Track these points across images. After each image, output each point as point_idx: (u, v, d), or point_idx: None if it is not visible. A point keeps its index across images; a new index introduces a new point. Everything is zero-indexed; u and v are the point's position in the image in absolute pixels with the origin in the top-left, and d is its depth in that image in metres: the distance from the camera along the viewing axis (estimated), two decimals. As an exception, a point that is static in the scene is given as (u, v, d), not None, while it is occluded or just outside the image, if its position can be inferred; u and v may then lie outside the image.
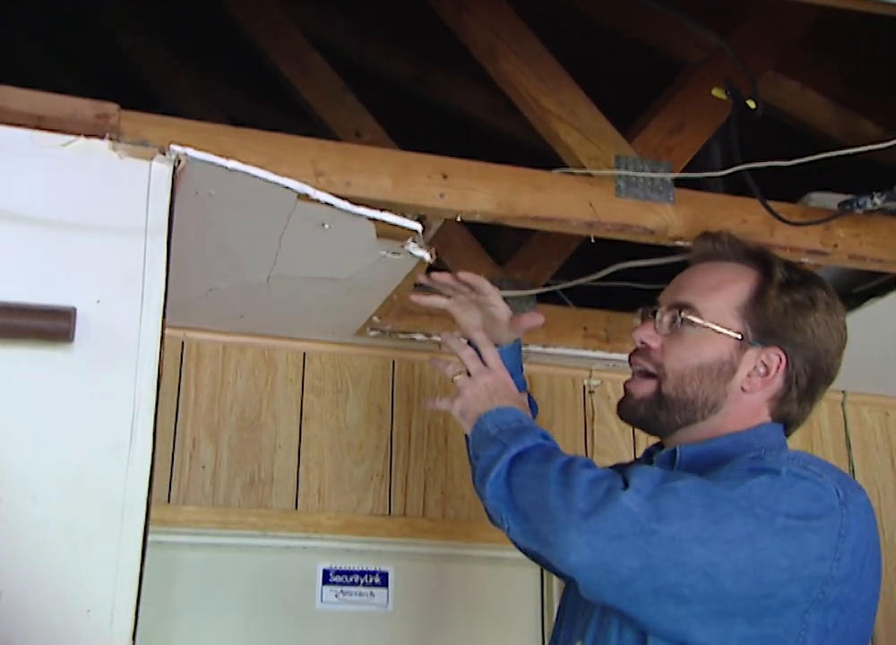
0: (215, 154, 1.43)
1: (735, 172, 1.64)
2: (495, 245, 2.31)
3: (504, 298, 2.11)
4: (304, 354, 2.14)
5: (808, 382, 1.26)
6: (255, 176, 1.45)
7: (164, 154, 1.39)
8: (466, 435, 1.35)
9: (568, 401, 2.28)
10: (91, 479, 1.22)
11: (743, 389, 1.24)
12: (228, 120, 2.61)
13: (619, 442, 2.25)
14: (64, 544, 1.20)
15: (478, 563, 2.18)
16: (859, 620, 1.14)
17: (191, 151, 1.40)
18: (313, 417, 2.10)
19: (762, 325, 1.25)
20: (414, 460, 2.14)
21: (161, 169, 1.38)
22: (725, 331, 1.24)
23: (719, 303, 1.26)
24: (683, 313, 1.27)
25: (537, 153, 2.00)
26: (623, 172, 1.67)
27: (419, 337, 2.09)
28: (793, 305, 1.26)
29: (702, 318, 1.26)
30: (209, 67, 2.83)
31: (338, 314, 1.98)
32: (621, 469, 1.36)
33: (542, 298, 2.18)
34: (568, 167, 1.69)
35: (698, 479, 1.11)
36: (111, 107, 1.40)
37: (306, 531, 2.02)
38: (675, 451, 1.25)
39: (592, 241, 1.72)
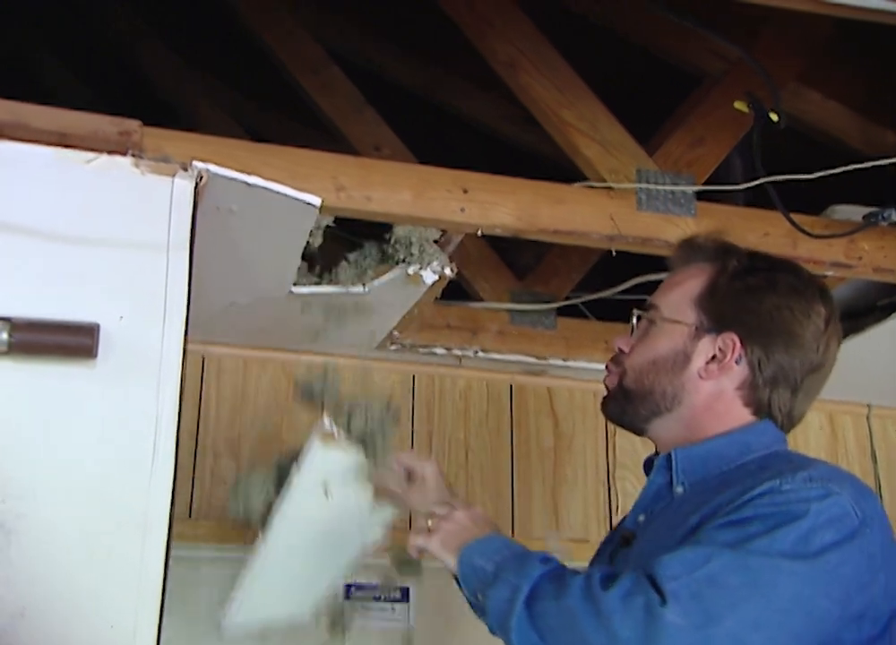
0: (236, 169, 1.45)
1: (757, 185, 1.65)
2: (514, 259, 2.32)
3: (525, 312, 2.15)
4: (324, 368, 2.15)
5: (778, 367, 1.23)
6: (276, 192, 1.46)
7: (186, 170, 1.41)
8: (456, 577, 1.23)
9: (589, 415, 2.29)
10: (114, 495, 1.24)
11: (700, 376, 1.25)
12: (246, 132, 2.63)
13: (641, 456, 2.19)
14: (87, 560, 1.21)
15: (499, 579, 2.17)
16: (894, 626, 1.13)
17: (212, 167, 1.42)
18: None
19: (716, 312, 1.26)
20: (434, 474, 2.14)
21: (183, 185, 1.40)
22: (678, 321, 1.27)
23: (676, 298, 1.29)
24: (647, 313, 1.31)
25: (556, 166, 2.01)
26: (644, 185, 1.67)
27: (440, 351, 2.10)
28: (746, 289, 1.26)
29: (661, 315, 1.29)
30: (228, 80, 2.85)
31: (358, 328, 2.00)
32: (617, 539, 1.32)
33: (562, 312, 2.19)
34: (588, 180, 1.70)
35: (729, 553, 1.04)
36: (133, 124, 1.42)
37: (327, 546, 2.03)
38: (670, 455, 1.25)
39: (613, 254, 1.72)
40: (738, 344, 1.23)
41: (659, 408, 1.27)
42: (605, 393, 1.34)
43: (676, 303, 1.29)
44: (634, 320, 1.33)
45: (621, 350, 1.32)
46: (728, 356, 1.24)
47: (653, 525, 1.21)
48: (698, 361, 1.25)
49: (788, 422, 1.27)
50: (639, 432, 1.33)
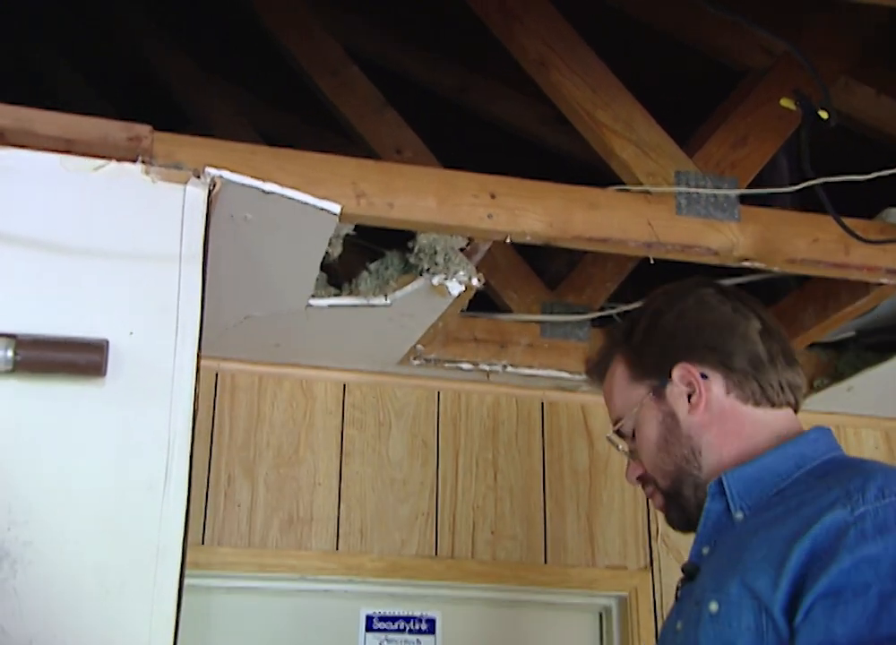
0: (251, 176, 1.46)
1: (806, 187, 1.64)
2: (544, 267, 2.31)
3: (557, 324, 2.14)
4: (343, 385, 2.15)
5: (737, 354, 1.28)
6: (293, 199, 1.47)
7: (198, 177, 1.42)
8: None
9: (626, 433, 2.27)
10: (125, 520, 1.25)
11: (693, 415, 1.28)
12: (261, 137, 2.65)
13: (683, 478, 2.23)
14: (97, 589, 1.21)
15: (532, 609, 2.17)
16: None
17: (226, 174, 1.43)
18: (353, 451, 2.12)
19: (651, 368, 1.32)
20: (462, 497, 2.14)
21: (196, 193, 1.41)
22: (638, 404, 1.32)
23: (621, 396, 1.36)
24: (621, 431, 1.36)
25: (590, 169, 2.00)
26: (683, 188, 1.67)
27: (466, 366, 2.10)
28: (645, 334, 1.34)
29: (627, 419, 1.34)
30: (241, 82, 2.87)
31: (379, 342, 2.00)
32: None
33: (597, 323, 2.18)
34: (624, 183, 1.70)
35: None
36: (144, 129, 1.43)
37: (348, 574, 2.03)
38: (721, 480, 1.25)
39: (651, 262, 1.71)
40: (690, 366, 1.29)
41: (694, 475, 1.29)
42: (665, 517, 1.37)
43: (624, 398, 1.35)
44: (620, 447, 1.38)
45: (640, 477, 1.36)
46: (696, 381, 1.28)
47: (716, 555, 1.21)
48: (681, 408, 1.29)
49: (791, 396, 1.29)
50: (697, 514, 1.30)
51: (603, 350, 1.42)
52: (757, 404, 1.28)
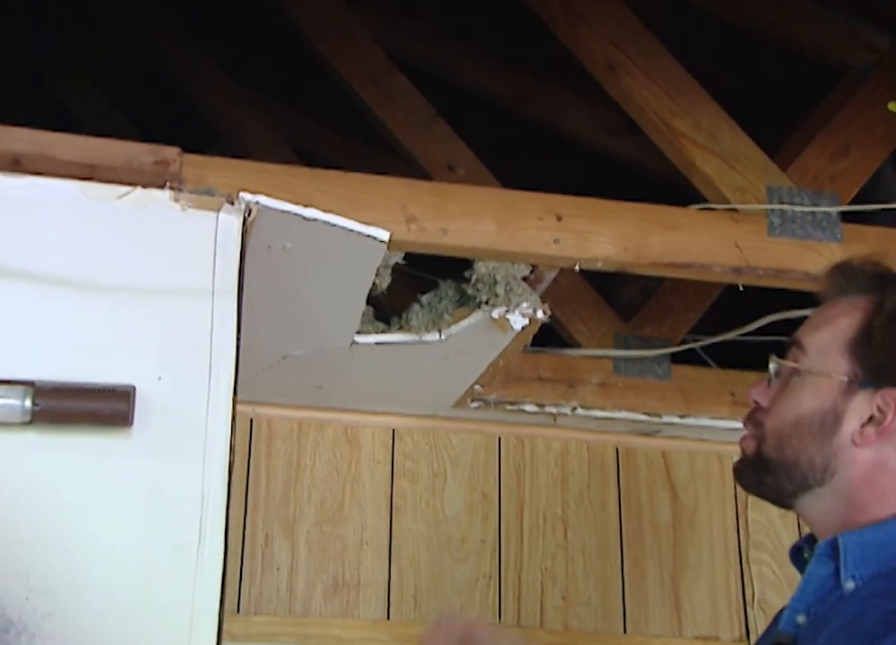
0: (289, 201, 1.48)
1: (918, 202, 1.63)
2: (617, 295, 2.31)
3: (632, 360, 2.13)
4: (393, 431, 2.16)
5: None
6: (337, 226, 1.49)
7: (232, 204, 1.44)
8: None
9: (714, 483, 2.25)
10: (154, 587, 1.26)
11: (854, 442, 1.22)
12: (299, 156, 2.69)
13: (781, 534, 2.20)
14: (123, 665, 1.23)
15: (610, 685, 2.15)
16: None
17: (263, 199, 1.45)
18: (405, 506, 2.12)
19: (873, 362, 1.23)
20: (528, 557, 2.13)
21: (229, 221, 1.43)
22: (827, 372, 1.24)
23: (825, 341, 1.27)
24: (791, 355, 1.28)
25: (668, 185, 2.00)
26: (776, 206, 1.66)
27: (530, 408, 2.09)
28: None
29: (807, 362, 1.26)
30: (276, 95, 2.92)
31: (433, 383, 2.00)
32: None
33: (678, 358, 2.17)
34: (708, 201, 1.69)
35: None
36: (171, 152, 1.46)
37: (401, 646, 2.03)
38: (835, 541, 1.21)
39: (741, 289, 1.70)
40: None
41: (807, 482, 1.24)
42: (739, 458, 1.32)
43: (826, 347, 1.26)
44: (776, 365, 1.30)
45: (758, 405, 1.30)
46: (890, 417, 1.21)
47: (824, 631, 1.18)
48: (851, 423, 1.22)
49: None
50: (783, 507, 1.31)
51: (861, 283, 1.29)
52: None
